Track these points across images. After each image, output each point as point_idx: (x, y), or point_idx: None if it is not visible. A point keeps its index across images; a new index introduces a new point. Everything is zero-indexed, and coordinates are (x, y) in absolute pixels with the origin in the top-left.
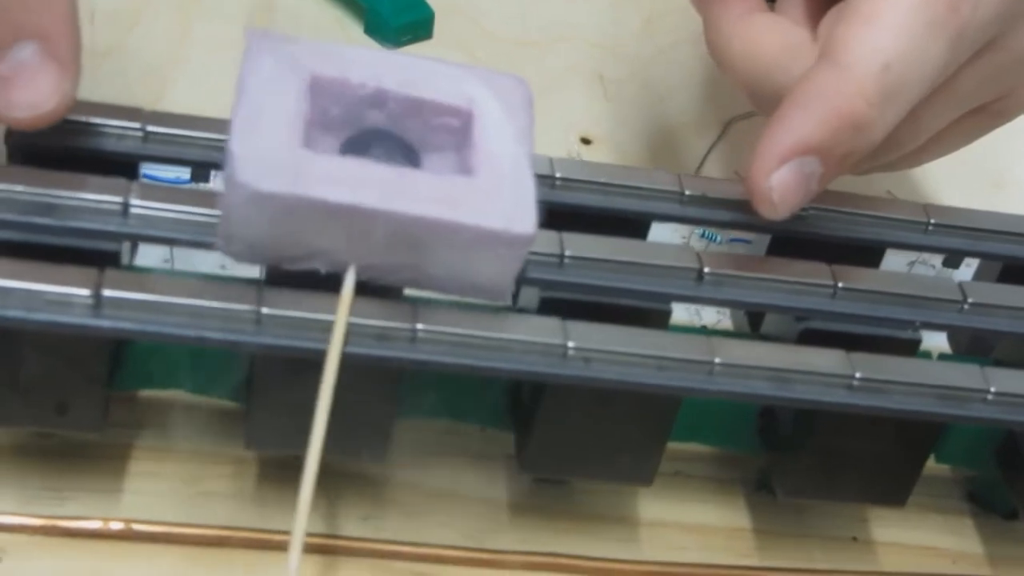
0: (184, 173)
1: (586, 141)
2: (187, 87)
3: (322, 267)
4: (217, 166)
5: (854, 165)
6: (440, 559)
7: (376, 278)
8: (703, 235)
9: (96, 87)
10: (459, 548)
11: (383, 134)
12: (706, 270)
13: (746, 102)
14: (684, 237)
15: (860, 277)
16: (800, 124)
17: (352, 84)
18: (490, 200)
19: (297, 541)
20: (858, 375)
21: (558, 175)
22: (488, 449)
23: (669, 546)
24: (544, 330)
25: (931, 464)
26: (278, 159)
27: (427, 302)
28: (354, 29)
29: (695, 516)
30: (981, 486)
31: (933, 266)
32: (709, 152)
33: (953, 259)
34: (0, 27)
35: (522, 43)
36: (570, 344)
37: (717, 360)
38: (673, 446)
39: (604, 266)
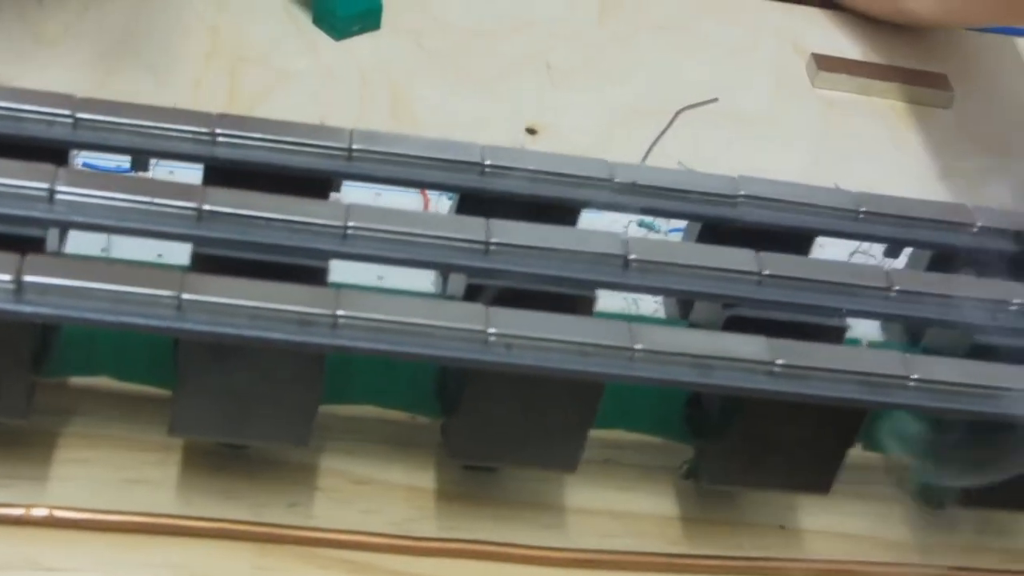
0: (124, 162)
1: (532, 131)
2: (136, 75)
3: None
4: (153, 153)
5: None
6: (366, 546)
7: None
8: (641, 224)
9: (43, 73)
10: (386, 536)
11: None
12: (631, 257)
13: (708, 91)
14: (624, 227)
15: (787, 265)
16: None
17: None
18: None
19: None
20: (779, 362)
21: (487, 162)
22: (416, 436)
23: (598, 533)
24: (466, 316)
25: (859, 452)
26: None
27: (351, 288)
28: (302, 19)
29: (624, 503)
30: (911, 474)
31: (873, 256)
32: (656, 141)
33: (893, 249)
34: None
35: (475, 33)
36: (491, 330)
37: (638, 346)
38: (604, 434)
39: (530, 253)
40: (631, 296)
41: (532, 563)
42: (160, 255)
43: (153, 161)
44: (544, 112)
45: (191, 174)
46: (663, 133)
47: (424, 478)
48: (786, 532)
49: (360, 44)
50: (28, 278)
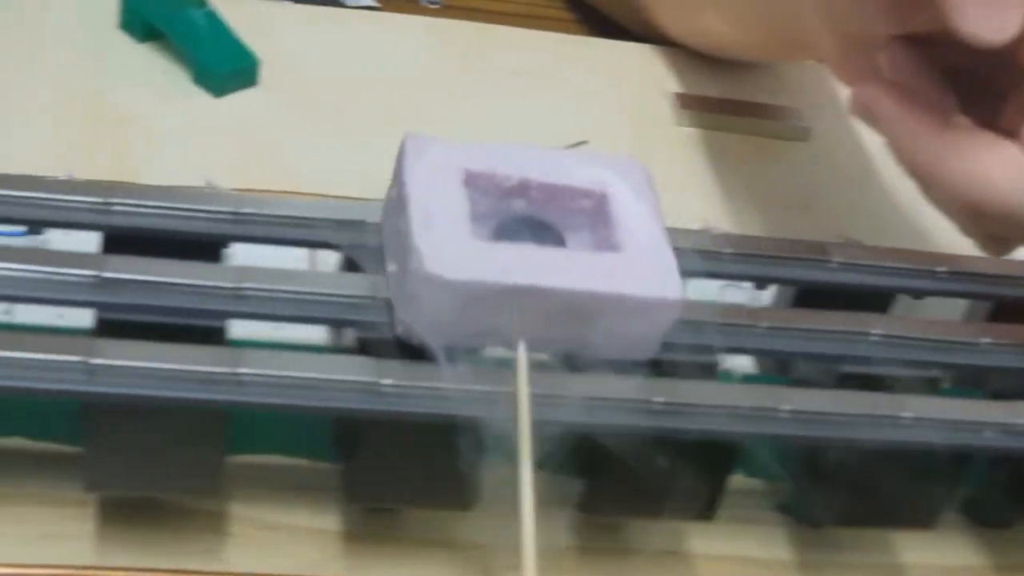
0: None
1: None
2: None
3: (493, 344)
4: (52, 224)
5: None
6: None
7: (540, 349)
8: None
9: None
10: None
11: (529, 219)
12: None
13: (573, 134)
14: None
15: None
16: None
17: (499, 177)
18: (641, 271)
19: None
20: (659, 399)
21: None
22: (321, 480)
23: (501, 566)
24: (355, 368)
25: (742, 479)
26: (456, 251)
27: (249, 345)
28: (183, 80)
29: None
30: (790, 497)
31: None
32: None
33: (760, 284)
34: None
35: (345, 86)
36: (385, 381)
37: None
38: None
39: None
40: None
41: None
42: (61, 315)
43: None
44: None
45: (86, 238)
46: None
47: (330, 521)
48: (676, 556)
49: (238, 100)
50: None
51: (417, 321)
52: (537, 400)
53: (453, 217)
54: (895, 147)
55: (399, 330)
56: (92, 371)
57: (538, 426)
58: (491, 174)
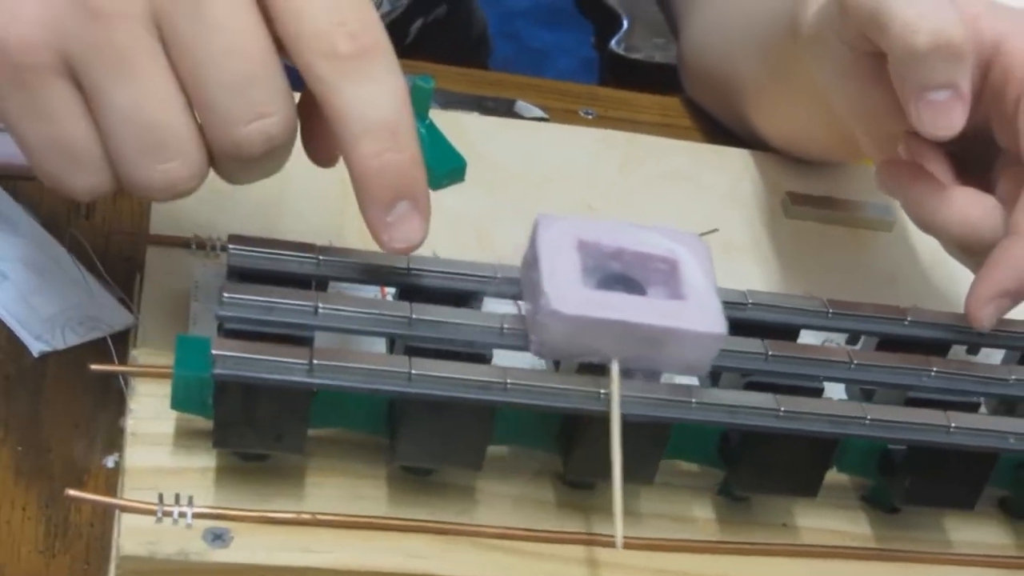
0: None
1: None
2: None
3: (595, 360)
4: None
5: None
6: (508, 536)
7: (627, 365)
8: None
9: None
10: (521, 529)
11: (622, 275)
12: None
13: (706, 224)
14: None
15: (791, 348)
16: (1002, 278)
17: (602, 244)
18: (699, 314)
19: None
20: (782, 409)
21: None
22: (541, 462)
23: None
24: (582, 383)
25: (835, 473)
26: (572, 294)
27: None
28: None
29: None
30: (871, 490)
31: (838, 343)
32: None
33: (853, 338)
34: (387, 193)
35: (534, 182)
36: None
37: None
38: None
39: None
40: None
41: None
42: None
43: None
44: None
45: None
46: None
47: (545, 492)
48: (787, 528)
49: (451, 193)
50: (317, 361)
51: (544, 343)
52: (624, 400)
53: (569, 272)
54: (907, 207)
55: (532, 349)
56: (409, 378)
57: (624, 418)
58: (596, 243)
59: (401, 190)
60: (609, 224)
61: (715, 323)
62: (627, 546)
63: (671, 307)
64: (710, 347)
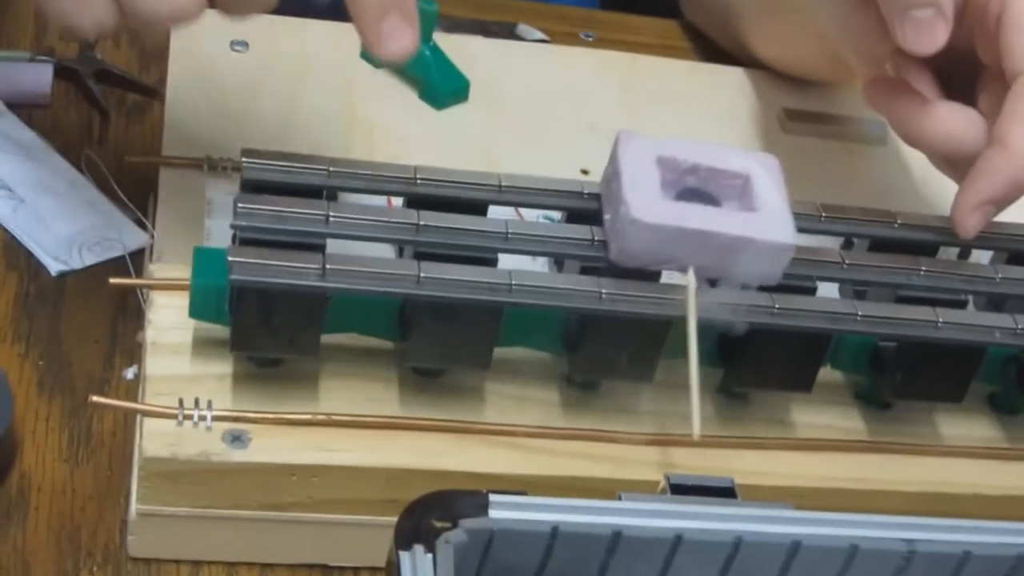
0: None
1: (585, 172)
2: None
3: (672, 268)
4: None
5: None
6: (518, 433)
7: (701, 273)
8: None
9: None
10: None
11: (697, 189)
12: None
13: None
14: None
15: None
16: (985, 187)
17: (679, 160)
18: (770, 225)
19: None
20: (777, 306)
21: (585, 192)
22: (545, 365)
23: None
24: (581, 283)
25: (829, 372)
26: (651, 204)
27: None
28: (411, 96)
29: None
30: (864, 387)
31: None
32: None
33: (847, 243)
34: (377, 8)
35: (537, 103)
36: (603, 291)
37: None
38: None
39: None
40: None
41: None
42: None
43: None
44: (591, 160)
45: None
46: None
47: (551, 395)
48: (784, 423)
49: (455, 112)
50: (329, 266)
51: (624, 251)
52: (700, 305)
53: (649, 183)
54: (892, 122)
55: (611, 257)
56: (420, 281)
57: (700, 322)
58: (673, 158)
59: (390, 2)
60: (685, 142)
61: (787, 234)
62: (699, 441)
63: (745, 218)
64: (781, 257)
